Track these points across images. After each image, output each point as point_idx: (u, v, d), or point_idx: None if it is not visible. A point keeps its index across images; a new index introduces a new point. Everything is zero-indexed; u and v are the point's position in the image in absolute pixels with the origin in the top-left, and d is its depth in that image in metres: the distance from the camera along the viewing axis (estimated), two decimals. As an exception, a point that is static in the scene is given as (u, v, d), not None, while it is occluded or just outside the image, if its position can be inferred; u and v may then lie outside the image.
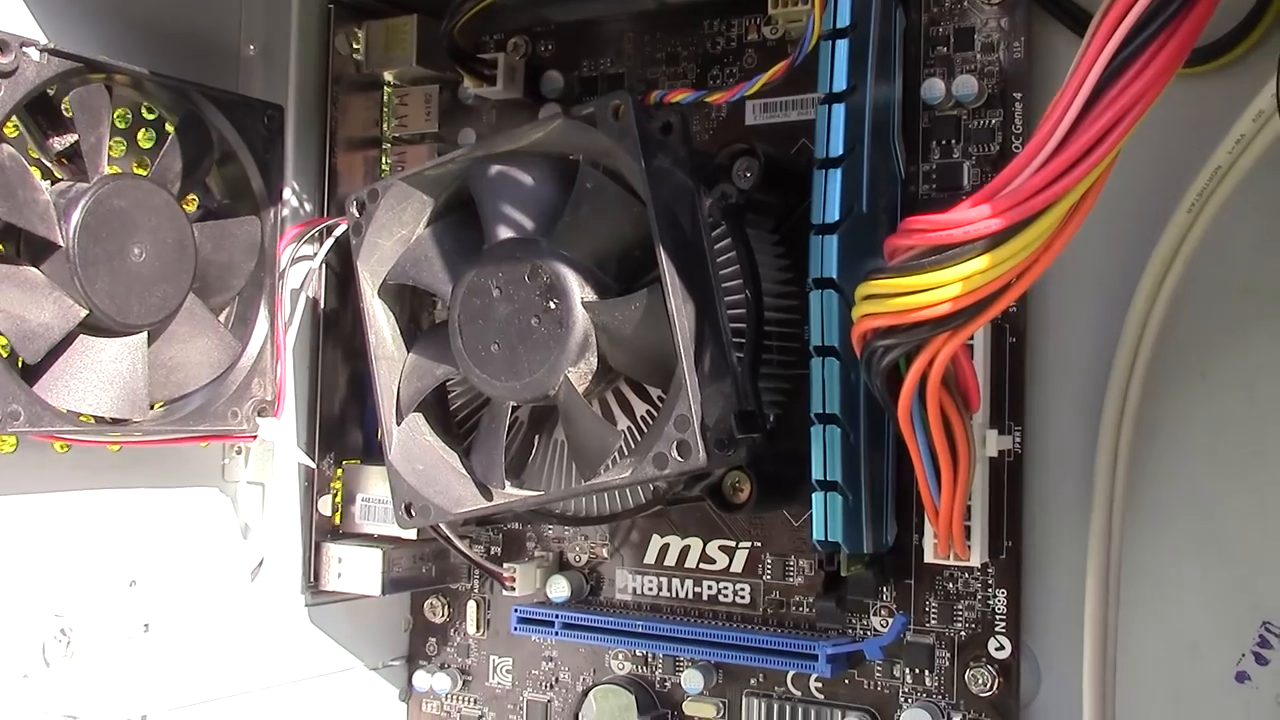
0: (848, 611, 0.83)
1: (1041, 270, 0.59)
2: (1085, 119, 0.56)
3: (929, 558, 0.77)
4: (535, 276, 0.76)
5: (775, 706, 0.86)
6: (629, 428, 0.79)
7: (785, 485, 0.82)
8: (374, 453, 0.96)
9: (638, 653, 0.92)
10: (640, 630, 0.87)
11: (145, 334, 0.80)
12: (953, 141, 0.81)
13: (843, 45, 0.73)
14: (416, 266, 0.83)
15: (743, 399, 0.72)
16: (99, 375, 0.78)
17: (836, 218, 0.72)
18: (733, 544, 0.88)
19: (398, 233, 0.84)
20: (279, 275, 0.89)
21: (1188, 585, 0.76)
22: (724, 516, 0.87)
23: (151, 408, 0.82)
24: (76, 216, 0.75)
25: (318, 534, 0.94)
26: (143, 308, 0.79)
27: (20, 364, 0.75)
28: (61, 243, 0.75)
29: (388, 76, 0.98)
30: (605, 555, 0.93)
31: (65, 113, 0.78)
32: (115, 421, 0.79)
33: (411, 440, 0.83)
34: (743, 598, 0.88)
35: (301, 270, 0.92)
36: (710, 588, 0.89)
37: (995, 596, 0.79)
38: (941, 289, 0.59)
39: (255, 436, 0.87)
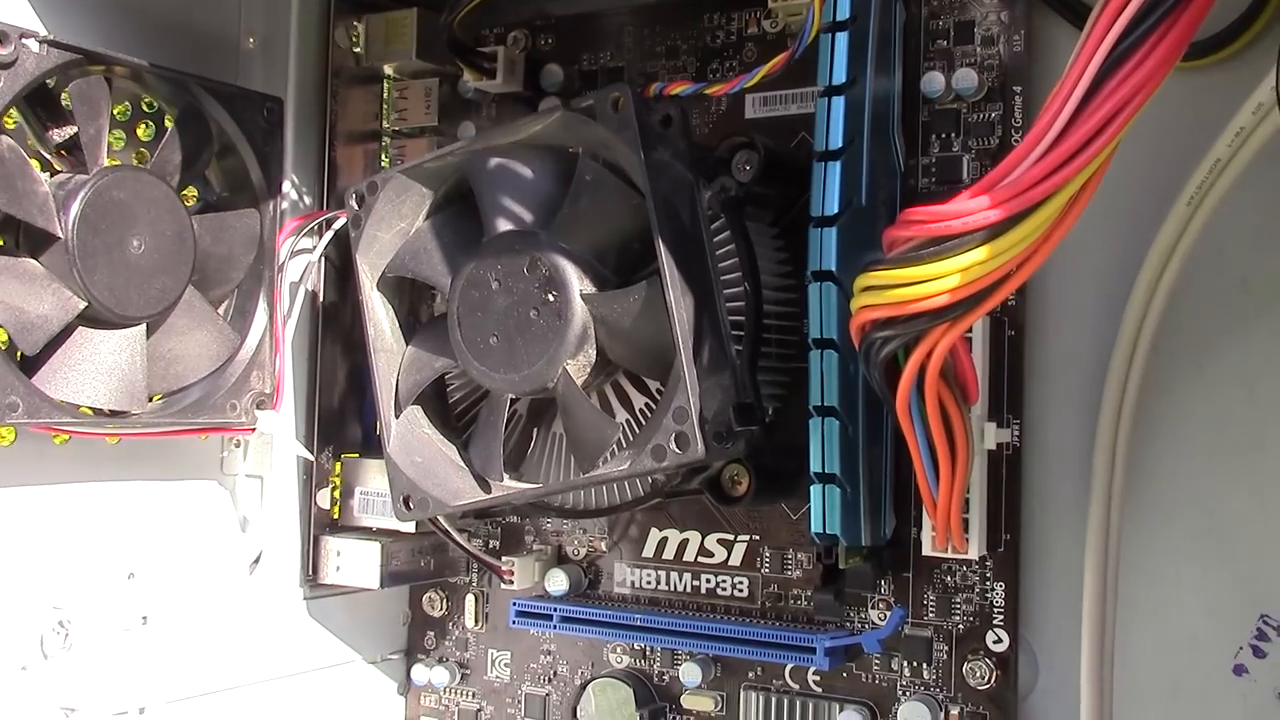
0: (846, 604, 0.83)
1: (1040, 262, 0.59)
2: (1084, 110, 0.56)
3: (927, 550, 0.77)
4: (534, 269, 0.76)
5: (773, 700, 0.86)
6: (627, 420, 0.79)
7: (784, 478, 0.82)
8: (373, 446, 0.96)
9: (636, 646, 0.92)
10: (638, 624, 0.87)
11: (144, 326, 0.80)
12: (952, 135, 0.81)
13: (842, 38, 0.73)
14: (415, 259, 0.83)
15: (741, 392, 0.72)
16: (98, 367, 0.78)
17: (836, 210, 0.72)
18: (731, 537, 0.88)
19: (397, 225, 0.84)
20: (278, 268, 0.89)
21: (1185, 578, 0.77)
22: (722, 509, 0.87)
23: (150, 400, 0.82)
24: (75, 208, 0.75)
25: (316, 527, 0.94)
26: (142, 300, 0.79)
27: (19, 356, 0.75)
28: (60, 234, 0.75)
29: (387, 70, 0.98)
30: (604, 549, 0.93)
31: (64, 105, 0.78)
32: (114, 413, 0.79)
33: (410, 433, 0.83)
34: (741, 591, 0.88)
35: (301, 263, 0.92)
36: (708, 581, 0.89)
37: (993, 589, 0.79)
38: (940, 280, 0.59)
39: (254, 429, 0.87)
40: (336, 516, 0.96)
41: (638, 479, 0.81)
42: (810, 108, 0.82)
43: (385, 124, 0.99)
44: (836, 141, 0.73)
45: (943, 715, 0.81)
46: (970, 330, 0.74)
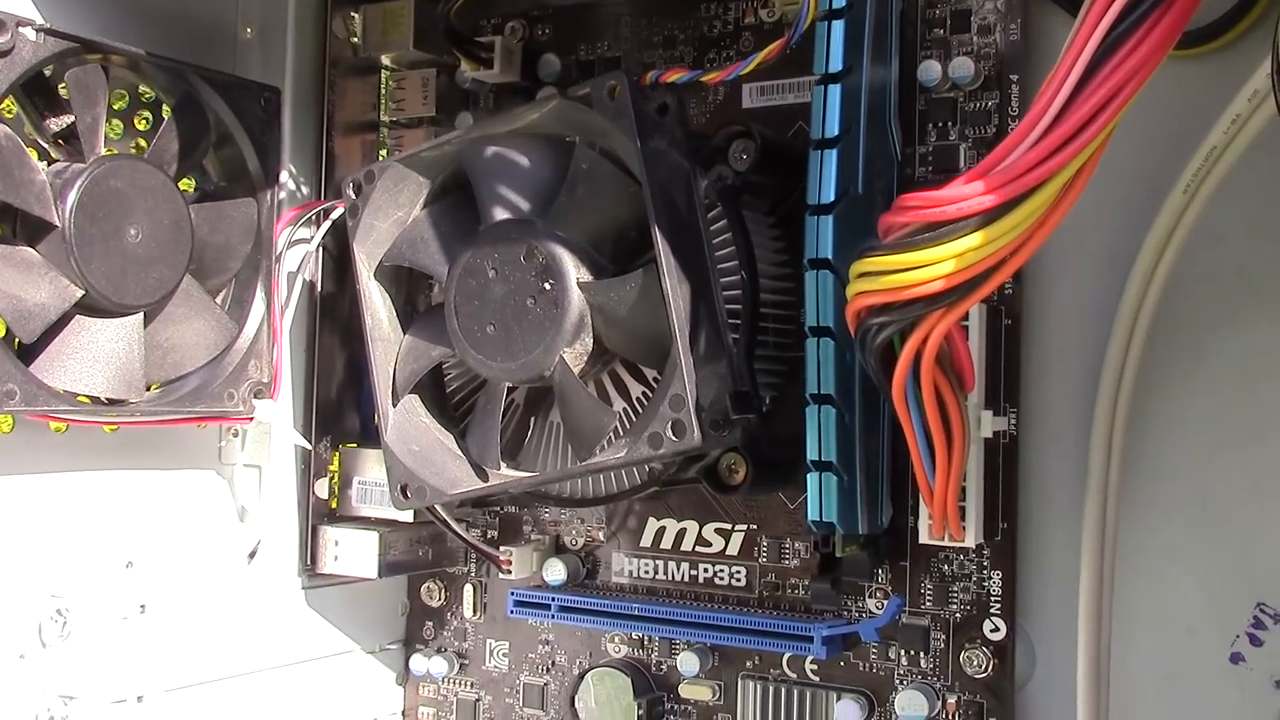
0: (843, 593, 0.83)
1: (1035, 247, 0.59)
2: (1079, 95, 0.56)
3: (924, 539, 0.77)
4: (531, 257, 0.76)
5: (771, 689, 0.86)
6: (624, 409, 0.79)
7: (781, 467, 0.82)
8: (371, 436, 0.96)
9: (634, 635, 0.92)
10: (636, 613, 0.87)
11: (141, 315, 0.80)
12: (949, 124, 0.81)
13: (838, 26, 0.73)
14: (413, 248, 0.83)
15: (738, 380, 0.72)
16: (95, 355, 0.78)
17: (832, 198, 0.72)
18: (729, 527, 0.88)
19: (394, 214, 0.84)
20: (276, 258, 0.89)
21: (1182, 567, 0.77)
22: (719, 498, 0.88)
23: (148, 389, 0.82)
24: (73, 197, 0.75)
25: (314, 517, 0.94)
26: (139, 288, 0.79)
27: (16, 344, 0.75)
28: (57, 223, 0.75)
29: (385, 60, 0.98)
30: (601, 538, 0.93)
31: (61, 93, 0.78)
32: (111, 402, 0.79)
33: (407, 422, 0.84)
34: (739, 580, 0.88)
35: (298, 253, 0.92)
36: (706, 570, 0.89)
37: (990, 578, 0.79)
38: (935, 266, 0.59)
39: (251, 418, 0.87)
40: (335, 506, 0.96)
41: (635, 467, 0.81)
42: (807, 97, 0.82)
43: (383, 114, 0.99)
44: (833, 129, 0.73)
45: (940, 704, 0.81)
46: (967, 318, 0.74)
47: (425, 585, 1.01)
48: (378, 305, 0.85)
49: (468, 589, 0.99)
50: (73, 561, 0.81)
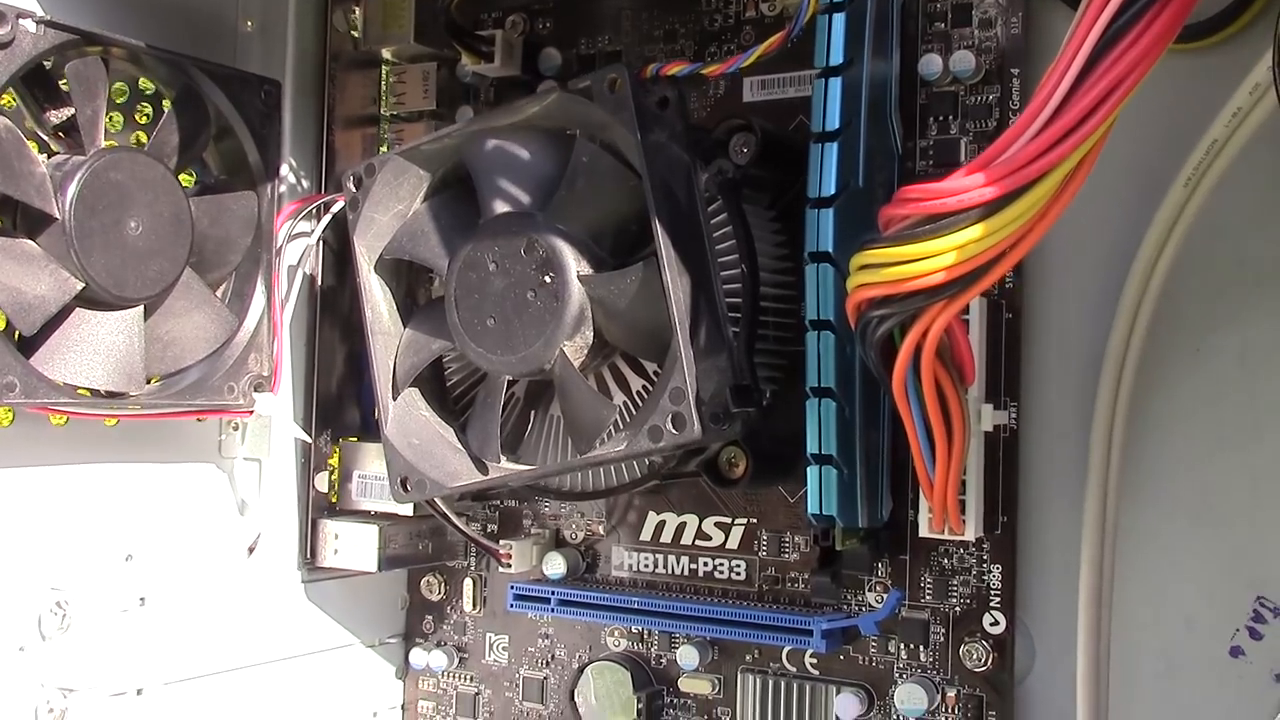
0: (843, 587, 0.83)
1: (1035, 240, 0.59)
2: (1080, 87, 0.56)
3: (924, 532, 0.77)
4: (531, 250, 0.76)
5: (771, 682, 0.86)
6: (625, 403, 0.79)
7: (781, 461, 0.82)
8: (371, 430, 0.96)
9: (634, 629, 0.92)
10: (636, 607, 0.87)
11: (141, 308, 0.80)
12: (950, 117, 0.81)
13: (839, 19, 0.73)
14: (413, 241, 0.83)
15: (738, 373, 0.72)
16: (95, 348, 0.78)
17: (832, 191, 0.72)
18: (729, 520, 0.88)
19: (394, 208, 0.84)
20: (276, 251, 0.89)
21: (1182, 560, 0.76)
22: (719, 492, 0.88)
23: (148, 382, 0.82)
24: (73, 189, 0.75)
25: (314, 510, 0.94)
26: (139, 281, 0.79)
27: (16, 336, 0.75)
28: (58, 215, 0.75)
29: (385, 54, 0.98)
30: (601, 532, 0.93)
31: (62, 86, 0.78)
32: (111, 395, 0.79)
33: (407, 415, 0.84)
34: (738, 574, 0.88)
35: (299, 247, 0.92)
36: (706, 564, 0.89)
37: (990, 572, 0.79)
38: (936, 258, 0.59)
39: (251, 411, 0.87)
40: (335, 500, 0.96)
41: (634, 461, 0.81)
42: (808, 91, 0.82)
43: (383, 108, 0.99)
44: (833, 122, 0.73)
45: (939, 698, 0.81)
46: (967, 312, 0.74)
47: (425, 579, 1.01)
48: (378, 298, 0.85)
49: (467, 583, 0.99)
50: (72, 554, 0.81)
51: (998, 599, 0.79)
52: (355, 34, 0.97)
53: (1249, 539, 0.75)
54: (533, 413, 0.83)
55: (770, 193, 0.82)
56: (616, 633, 0.93)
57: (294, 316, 0.91)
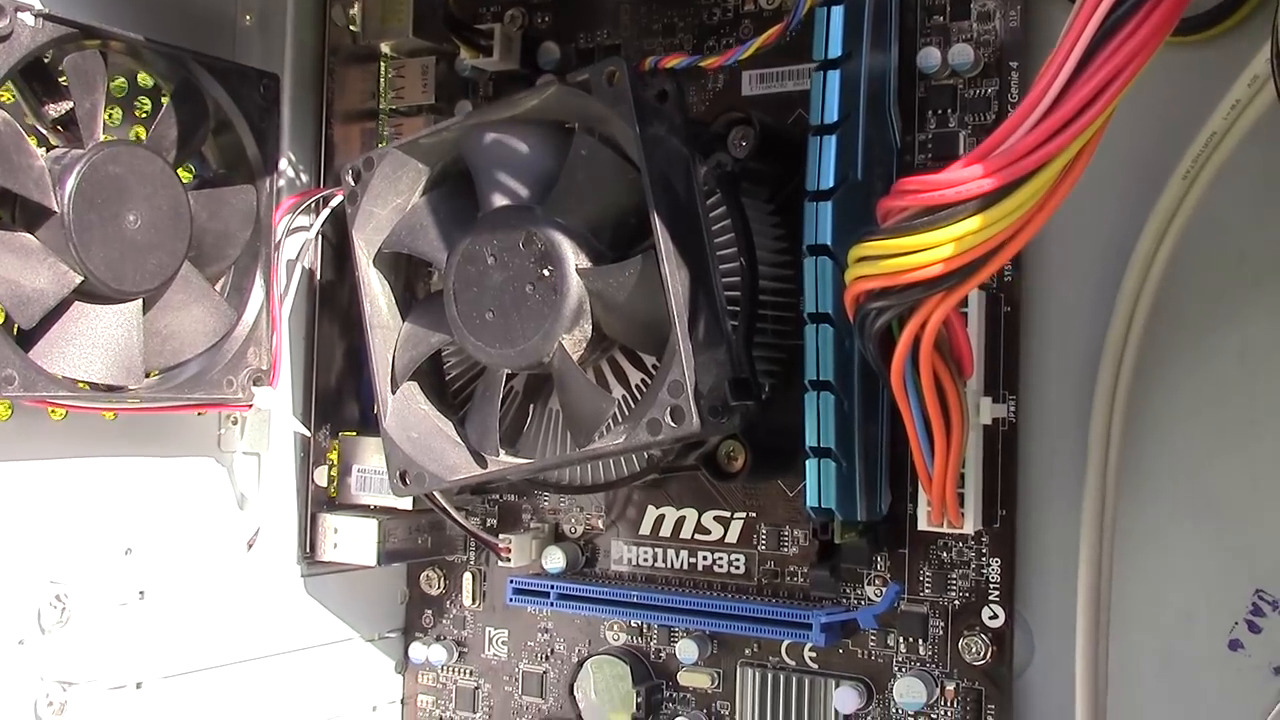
0: (842, 581, 0.83)
1: (1034, 232, 0.59)
2: (1078, 78, 0.56)
3: (923, 525, 0.77)
4: (530, 243, 0.76)
5: (770, 676, 0.86)
6: (623, 396, 0.79)
7: (780, 455, 0.82)
8: (370, 424, 0.95)
9: (633, 623, 0.92)
10: (635, 601, 0.87)
11: (140, 301, 0.80)
12: (949, 111, 0.81)
13: (838, 12, 0.73)
14: (412, 234, 0.83)
15: (737, 366, 0.72)
16: (94, 342, 0.78)
17: (831, 184, 0.72)
18: (728, 514, 0.88)
19: (393, 201, 0.84)
20: (275, 245, 0.89)
21: (1181, 554, 0.76)
22: (718, 486, 0.87)
23: (147, 375, 0.82)
24: (71, 183, 0.75)
25: (314, 504, 0.95)
26: (138, 274, 0.79)
27: (15, 330, 0.75)
28: (56, 209, 0.75)
29: (384, 48, 0.98)
30: (601, 526, 0.93)
31: (60, 79, 0.78)
32: (110, 389, 0.79)
33: (406, 408, 0.84)
34: (737, 568, 0.88)
35: (298, 241, 0.92)
36: (705, 558, 0.89)
37: (989, 565, 0.79)
38: (934, 250, 0.59)
39: (250, 405, 0.87)
40: (334, 494, 0.96)
41: (633, 454, 0.81)
42: (807, 85, 0.82)
43: (382, 102, 0.99)
44: (831, 115, 0.73)
45: (938, 691, 0.81)
46: (966, 305, 0.74)
47: (424, 573, 1.01)
48: (377, 292, 0.85)
49: (467, 577, 0.99)
50: (72, 548, 0.81)
51: (997, 592, 0.79)
52: (354, 28, 0.97)
53: (1248, 532, 0.75)
54: (531, 406, 0.83)
55: (769, 186, 0.82)
56: (616, 627, 0.93)
57: (293, 311, 0.91)
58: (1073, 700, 0.76)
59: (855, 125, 0.75)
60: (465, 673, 0.99)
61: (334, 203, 0.91)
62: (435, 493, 0.86)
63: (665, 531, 0.91)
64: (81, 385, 0.78)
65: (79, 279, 0.76)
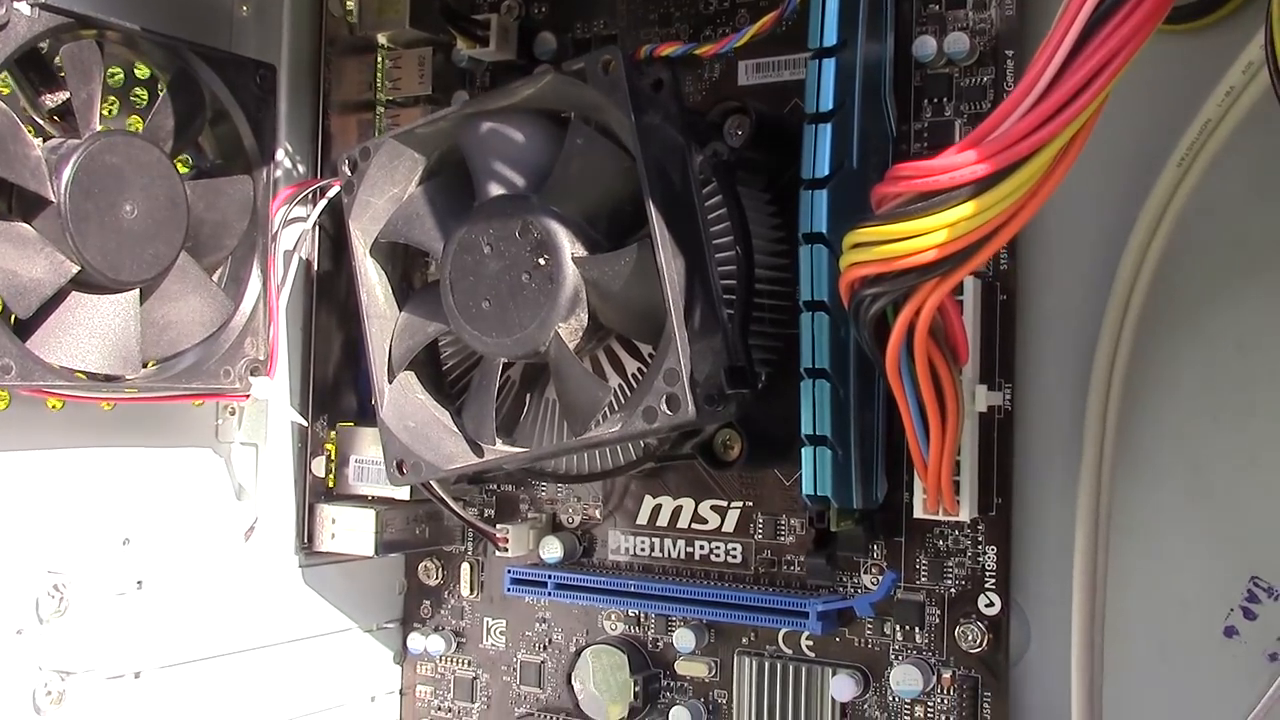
0: (838, 569, 0.84)
1: (1027, 218, 0.59)
2: (1072, 63, 0.56)
3: (919, 513, 0.77)
4: (526, 233, 0.76)
5: (767, 664, 0.86)
6: (620, 385, 0.79)
7: (777, 444, 0.82)
8: (368, 415, 0.96)
9: (630, 613, 0.92)
10: (633, 590, 0.87)
11: (137, 291, 0.80)
12: (945, 100, 0.81)
13: (833, 0, 0.73)
14: (408, 224, 0.83)
15: (733, 355, 0.72)
16: (91, 331, 0.78)
17: (826, 172, 0.72)
18: (725, 504, 0.88)
19: (390, 191, 0.84)
20: (272, 235, 0.89)
21: (1177, 541, 0.77)
22: (715, 474, 0.88)
23: (144, 365, 0.82)
24: (68, 172, 0.75)
25: (311, 495, 0.95)
26: (135, 264, 0.79)
27: (12, 320, 0.75)
28: (53, 198, 0.75)
29: (381, 39, 0.98)
30: (598, 516, 0.94)
31: (57, 69, 0.78)
32: (108, 378, 0.79)
33: (403, 398, 0.84)
34: (734, 557, 0.88)
35: (294, 231, 0.92)
36: (702, 547, 0.89)
37: (985, 553, 0.79)
38: (928, 235, 0.59)
39: (248, 395, 0.87)
40: (332, 485, 0.96)
41: (630, 443, 0.81)
42: (803, 74, 0.82)
43: (379, 93, 0.99)
44: (827, 103, 0.73)
45: (935, 679, 0.81)
46: (961, 292, 0.74)
47: (422, 564, 1.01)
48: (373, 282, 0.85)
49: (465, 567, 0.99)
50: (70, 538, 0.81)
51: (993, 580, 0.79)
52: (351, 19, 0.97)
53: (1243, 519, 0.75)
54: (528, 396, 0.84)
55: (766, 175, 0.82)
56: (613, 616, 0.93)
57: (290, 301, 0.91)
58: (1068, 687, 0.76)
59: (851, 114, 0.75)
60: (463, 663, 1.00)
61: (331, 193, 0.91)
62: (432, 482, 0.86)
63: (662, 521, 0.91)
64: (79, 375, 0.78)
65: (76, 269, 0.76)
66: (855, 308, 0.65)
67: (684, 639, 0.89)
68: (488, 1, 0.96)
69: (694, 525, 0.89)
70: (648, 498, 0.91)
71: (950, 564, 0.80)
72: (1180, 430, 0.76)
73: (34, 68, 0.77)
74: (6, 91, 0.77)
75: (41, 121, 0.78)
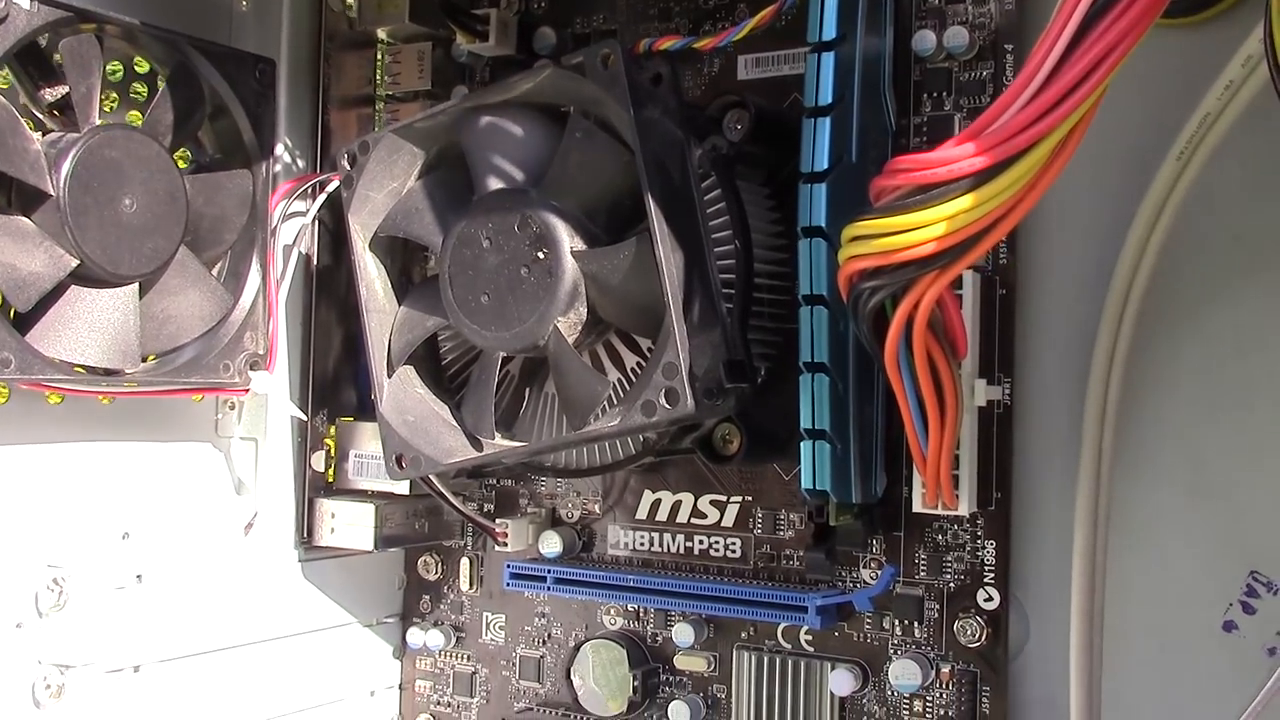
0: (837, 563, 0.84)
1: (1026, 210, 0.59)
2: (1071, 56, 0.56)
3: (918, 507, 0.77)
4: (525, 226, 0.76)
5: (766, 659, 0.86)
6: (619, 379, 0.79)
7: (776, 439, 0.82)
8: (367, 410, 0.95)
9: (629, 608, 0.92)
10: (632, 585, 0.87)
11: (136, 285, 0.80)
12: (944, 94, 0.81)
13: (832, -7, 0.73)
14: (407, 218, 0.83)
15: (732, 349, 0.72)
16: (90, 325, 0.78)
17: (825, 166, 0.72)
18: (724, 499, 0.88)
19: (389, 185, 0.84)
20: (271, 230, 0.89)
21: (1176, 536, 0.76)
22: (714, 469, 0.88)
23: (144, 360, 0.82)
24: (67, 166, 0.75)
25: (311, 490, 0.95)
26: (134, 258, 0.79)
27: (12, 313, 0.75)
28: (52, 192, 0.75)
29: (381, 33, 0.98)
30: (597, 511, 0.94)
31: (56, 63, 0.78)
32: (107, 372, 0.80)
33: (402, 392, 0.84)
34: (734, 552, 0.88)
35: (294, 226, 0.92)
36: (701, 542, 0.89)
37: (984, 548, 0.79)
38: (926, 228, 0.59)
39: (247, 390, 0.87)
40: (331, 479, 0.96)
41: (629, 437, 0.81)
42: (802, 69, 0.81)
43: (379, 88, 0.99)
44: (826, 97, 0.73)
45: (934, 673, 0.81)
46: (960, 286, 0.74)
47: (422, 559, 1.01)
48: (373, 276, 0.85)
49: (464, 562, 0.99)
50: (69, 532, 0.81)
51: (992, 574, 0.79)
52: (350, 13, 0.96)
53: (1243, 514, 0.75)
54: (528, 390, 0.84)
55: (765, 170, 0.82)
56: (612, 611, 0.93)
57: (290, 296, 0.91)
58: (1067, 682, 0.76)
59: (850, 108, 0.75)
60: (463, 657, 1.00)
61: (330, 188, 0.91)
62: (431, 477, 0.86)
63: (662, 516, 0.91)
64: (78, 369, 0.78)
65: (75, 262, 0.76)
66: (854, 301, 0.65)
67: (683, 634, 0.89)
68: (487, -4, 0.96)
69: (693, 520, 0.89)
70: (647, 492, 0.91)
71: (949, 559, 0.80)
72: (1180, 424, 0.76)
73: (33, 62, 0.77)
74: (6, 85, 0.77)
75: (41, 116, 0.79)
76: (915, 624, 0.81)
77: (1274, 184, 0.73)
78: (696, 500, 0.89)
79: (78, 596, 0.80)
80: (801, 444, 0.74)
